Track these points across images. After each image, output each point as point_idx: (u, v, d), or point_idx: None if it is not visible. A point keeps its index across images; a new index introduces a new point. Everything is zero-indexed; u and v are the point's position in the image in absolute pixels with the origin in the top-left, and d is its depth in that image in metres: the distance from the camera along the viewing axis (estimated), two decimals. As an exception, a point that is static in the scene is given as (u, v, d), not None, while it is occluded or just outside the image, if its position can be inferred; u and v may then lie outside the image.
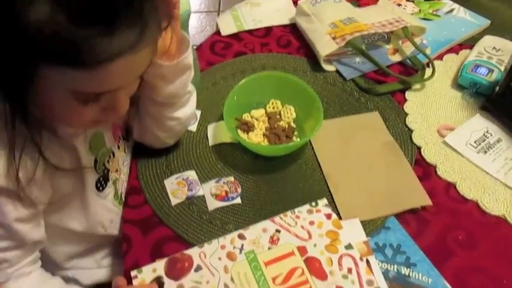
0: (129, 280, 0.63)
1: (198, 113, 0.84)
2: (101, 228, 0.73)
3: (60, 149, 0.60)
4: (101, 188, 0.70)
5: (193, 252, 0.64)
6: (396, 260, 0.64)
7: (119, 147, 0.74)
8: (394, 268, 0.63)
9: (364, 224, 0.67)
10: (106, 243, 0.78)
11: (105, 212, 0.72)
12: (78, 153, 0.64)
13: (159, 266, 0.63)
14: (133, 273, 0.62)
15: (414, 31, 0.95)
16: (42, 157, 0.55)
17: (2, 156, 0.52)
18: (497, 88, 0.82)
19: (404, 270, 0.62)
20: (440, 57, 0.95)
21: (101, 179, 0.70)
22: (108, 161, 0.71)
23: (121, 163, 0.75)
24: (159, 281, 0.62)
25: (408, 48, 0.94)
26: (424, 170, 0.75)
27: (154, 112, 0.71)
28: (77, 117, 0.54)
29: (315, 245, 0.64)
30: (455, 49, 0.97)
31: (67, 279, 0.73)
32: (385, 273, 0.62)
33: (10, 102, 0.49)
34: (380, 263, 0.63)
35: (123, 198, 0.75)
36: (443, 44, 0.97)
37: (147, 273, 0.62)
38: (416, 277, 0.62)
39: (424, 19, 1.02)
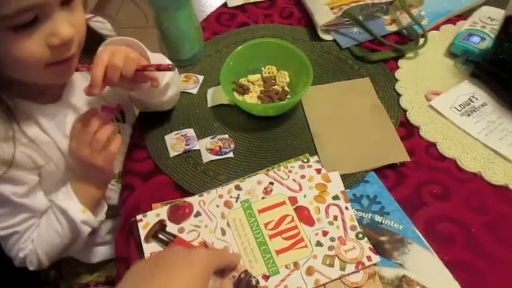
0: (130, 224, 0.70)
1: (201, 77, 0.91)
2: None
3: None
4: None
5: (193, 200, 0.71)
6: (371, 209, 0.69)
7: None
8: (368, 216, 0.68)
9: (345, 177, 0.72)
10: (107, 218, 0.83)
11: None
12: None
13: (162, 212, 0.70)
14: (138, 217, 0.69)
15: (413, 2, 0.99)
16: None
17: None
18: (487, 55, 0.84)
19: (378, 218, 0.67)
20: (437, 27, 0.98)
21: None
22: None
23: None
24: (161, 224, 0.68)
25: (405, 19, 0.97)
26: (408, 131, 0.79)
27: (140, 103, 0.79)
28: (25, 54, 0.54)
29: (304, 196, 0.69)
30: (453, 20, 0.99)
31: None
32: (359, 220, 0.67)
33: None
34: (356, 212, 0.68)
35: (120, 176, 0.81)
36: (441, 14, 0.99)
37: (151, 217, 0.69)
38: (388, 224, 0.67)
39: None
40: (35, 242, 0.71)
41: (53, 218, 0.71)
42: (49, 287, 0.94)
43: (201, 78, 0.90)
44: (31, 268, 0.74)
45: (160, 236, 0.67)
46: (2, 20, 0.51)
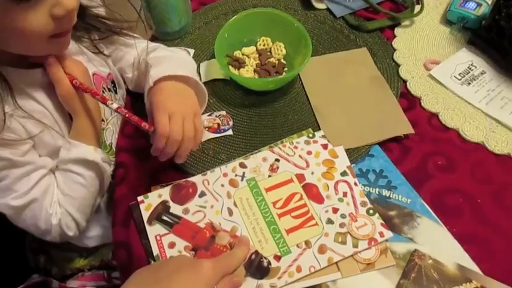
0: (128, 206, 0.68)
1: (192, 51, 0.86)
2: None
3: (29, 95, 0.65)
4: None
5: (196, 179, 0.68)
6: (378, 183, 0.68)
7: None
8: (375, 191, 0.67)
9: (350, 151, 0.71)
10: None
11: None
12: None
13: (164, 192, 0.67)
14: (139, 198, 0.67)
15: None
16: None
17: None
18: (484, 22, 0.83)
19: (385, 193, 0.67)
20: (431, -7, 0.96)
21: None
22: None
23: (108, 114, 0.77)
24: (165, 205, 0.66)
25: (399, -15, 0.94)
26: (409, 102, 0.78)
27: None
28: (30, 27, 0.54)
29: (312, 173, 0.68)
30: (446, -15, 0.97)
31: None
32: (367, 195, 0.66)
33: None
34: (363, 187, 0.67)
35: (114, 148, 0.78)
36: (434, -20, 0.97)
37: (153, 198, 0.67)
38: (396, 198, 0.66)
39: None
40: (63, 204, 0.68)
41: (69, 173, 0.68)
42: (39, 273, 0.91)
43: (192, 51, 0.86)
44: (70, 234, 0.70)
45: (164, 217, 0.65)
46: None
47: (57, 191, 0.69)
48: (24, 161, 0.64)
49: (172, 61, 0.71)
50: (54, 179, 0.69)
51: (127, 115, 0.62)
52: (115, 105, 0.63)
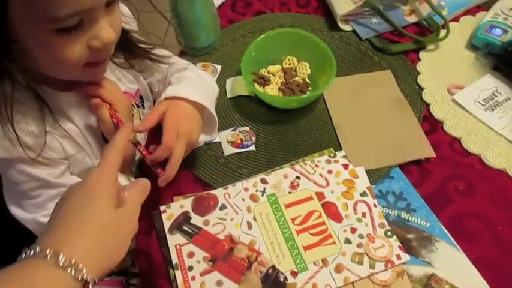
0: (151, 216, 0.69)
1: (219, 67, 0.89)
2: None
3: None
4: None
5: (218, 192, 0.70)
6: (397, 205, 0.68)
7: (133, 115, 0.77)
8: (394, 213, 0.67)
9: (370, 172, 0.71)
10: None
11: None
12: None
13: (186, 203, 0.69)
14: (162, 207, 0.69)
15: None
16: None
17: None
18: (510, 48, 0.83)
19: (404, 215, 0.67)
20: (456, 18, 0.96)
21: None
22: None
23: None
24: (186, 215, 0.68)
25: (425, 9, 0.95)
26: (431, 125, 0.78)
27: None
28: (67, 56, 0.55)
29: (332, 192, 0.69)
30: (472, 11, 0.98)
31: None
32: (386, 217, 0.66)
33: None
34: (382, 208, 0.68)
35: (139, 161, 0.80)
36: (460, 5, 0.97)
37: (175, 208, 0.69)
38: (415, 221, 0.66)
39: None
40: None
41: None
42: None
43: (219, 68, 0.89)
44: None
45: (185, 227, 0.67)
46: (52, 22, 0.51)
47: None
48: (59, 183, 0.66)
49: (194, 83, 0.73)
50: None
51: (144, 152, 0.65)
52: (135, 140, 0.66)
